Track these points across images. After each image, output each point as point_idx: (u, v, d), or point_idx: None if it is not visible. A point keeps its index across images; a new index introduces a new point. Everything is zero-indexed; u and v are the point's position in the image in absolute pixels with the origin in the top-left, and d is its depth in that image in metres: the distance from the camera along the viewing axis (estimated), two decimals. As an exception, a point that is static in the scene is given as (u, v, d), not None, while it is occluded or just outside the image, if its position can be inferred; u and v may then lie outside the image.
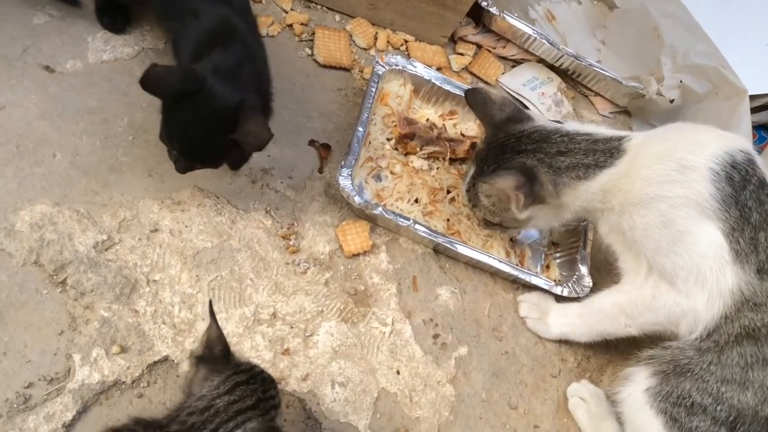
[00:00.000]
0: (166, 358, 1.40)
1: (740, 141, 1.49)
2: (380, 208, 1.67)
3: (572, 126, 1.60)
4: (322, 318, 1.57)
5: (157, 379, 1.38)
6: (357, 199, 1.66)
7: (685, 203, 1.42)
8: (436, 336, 1.62)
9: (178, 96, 1.33)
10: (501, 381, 1.62)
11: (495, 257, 1.72)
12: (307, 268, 1.63)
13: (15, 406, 1.26)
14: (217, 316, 1.42)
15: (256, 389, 1.12)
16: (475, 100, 1.66)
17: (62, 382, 1.30)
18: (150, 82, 1.30)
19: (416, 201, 1.81)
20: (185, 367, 1.40)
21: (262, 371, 1.17)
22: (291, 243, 1.65)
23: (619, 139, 1.54)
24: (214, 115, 1.37)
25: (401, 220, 1.68)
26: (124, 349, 1.37)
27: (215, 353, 1.14)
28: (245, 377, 1.12)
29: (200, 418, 1.06)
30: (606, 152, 1.52)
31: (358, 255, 1.68)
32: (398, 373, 1.54)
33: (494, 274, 1.76)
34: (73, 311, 1.39)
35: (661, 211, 1.44)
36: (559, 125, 1.60)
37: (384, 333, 1.59)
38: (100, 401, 1.32)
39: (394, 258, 1.72)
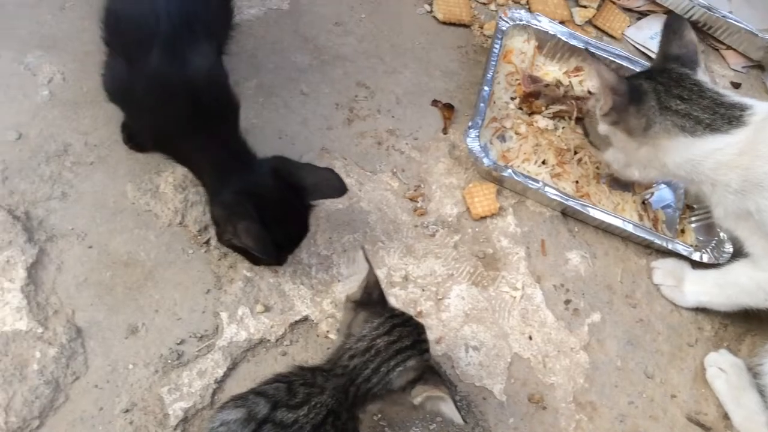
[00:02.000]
0: (306, 318, 1.42)
1: None
2: (509, 171, 1.64)
3: (709, 83, 1.52)
4: (453, 281, 1.56)
5: (299, 338, 1.40)
6: (485, 161, 1.63)
7: None
8: (567, 302, 1.59)
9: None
10: (636, 349, 1.58)
11: (629, 221, 1.66)
12: (436, 231, 1.62)
13: (169, 361, 1.31)
14: (352, 278, 1.45)
15: (412, 331, 1.15)
16: (671, 27, 1.56)
17: (212, 339, 1.35)
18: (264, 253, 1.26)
19: (543, 162, 1.76)
20: (324, 327, 1.42)
21: (413, 318, 1.20)
22: (419, 205, 1.65)
23: (743, 108, 1.43)
24: (280, 201, 1.31)
25: (531, 182, 1.64)
26: (267, 308, 1.41)
27: (373, 297, 1.18)
28: (401, 320, 1.16)
29: (361, 359, 1.10)
30: (725, 118, 1.42)
31: (485, 218, 1.66)
32: (530, 338, 1.53)
33: (626, 238, 1.71)
34: (218, 271, 1.43)
35: None
36: (700, 78, 1.51)
37: (515, 297, 1.57)
38: (247, 358, 1.36)
39: (522, 221, 1.68)
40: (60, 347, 1.27)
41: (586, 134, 1.69)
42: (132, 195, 1.46)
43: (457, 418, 1.09)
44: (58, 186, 1.43)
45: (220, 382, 1.31)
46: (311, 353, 1.39)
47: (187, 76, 1.27)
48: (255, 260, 1.39)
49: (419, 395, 1.10)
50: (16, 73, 1.56)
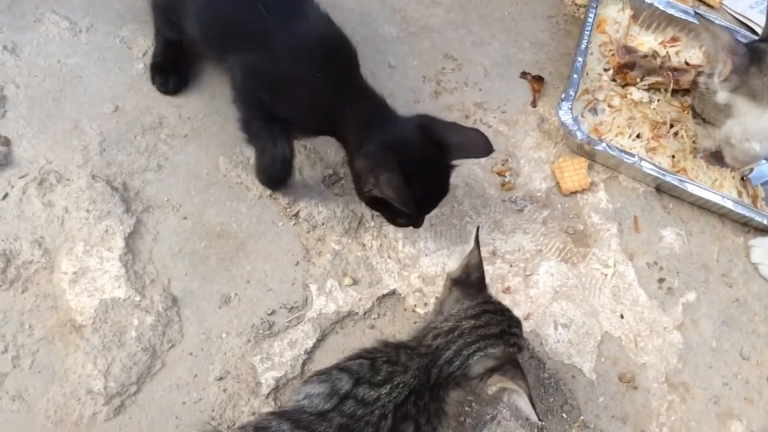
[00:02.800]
0: (393, 292, 1.42)
1: None
2: (603, 144, 1.59)
3: None
4: (542, 257, 1.53)
5: (386, 312, 1.41)
6: (579, 134, 1.58)
7: None
8: (661, 280, 1.54)
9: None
10: (732, 330, 1.52)
11: (728, 197, 1.59)
12: (524, 206, 1.59)
13: (261, 331, 1.33)
14: (439, 253, 1.44)
15: (503, 321, 1.10)
16: None
17: (301, 311, 1.37)
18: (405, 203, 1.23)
19: (638, 136, 1.70)
20: (411, 301, 1.42)
21: (510, 311, 1.15)
22: (506, 180, 1.62)
23: None
24: (432, 159, 1.29)
25: (625, 156, 1.58)
26: (355, 281, 1.41)
27: (471, 279, 1.14)
28: (494, 308, 1.12)
29: (444, 340, 1.07)
30: None
31: (575, 193, 1.62)
32: (622, 317, 1.48)
33: (723, 215, 1.64)
34: (307, 243, 1.44)
35: None
36: None
37: (606, 275, 1.53)
38: (336, 330, 1.37)
39: (614, 197, 1.63)
40: (157, 315, 1.31)
41: (696, 114, 1.58)
42: (224, 167, 1.48)
43: (532, 415, 1.04)
44: (153, 158, 1.47)
45: (310, 353, 1.33)
46: (399, 327, 1.39)
47: (314, 41, 1.29)
48: (392, 218, 1.37)
49: (494, 384, 1.05)
50: (112, 47, 1.60)
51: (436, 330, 1.09)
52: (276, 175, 1.42)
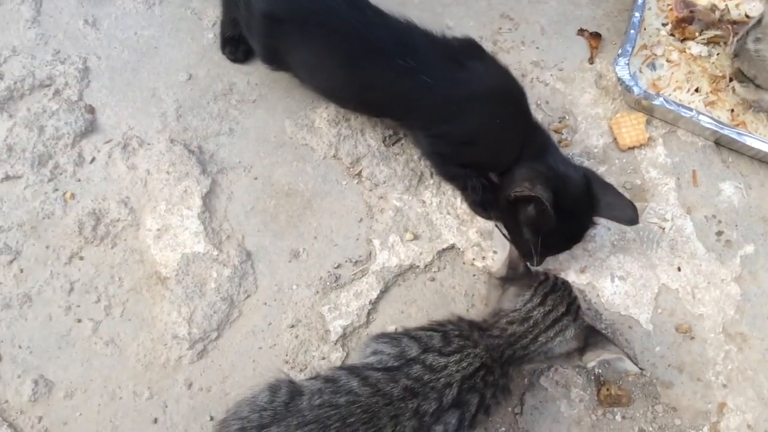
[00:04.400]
0: (452, 246, 1.49)
1: None
2: (660, 99, 1.60)
3: None
4: (599, 212, 1.56)
5: (446, 265, 1.47)
6: (635, 89, 1.60)
7: None
8: (719, 233, 1.56)
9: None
10: (792, 281, 1.53)
11: (789, 150, 1.58)
12: (581, 163, 1.62)
13: (328, 283, 1.42)
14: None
15: (563, 295, 1.17)
16: None
17: (365, 264, 1.45)
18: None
19: (696, 90, 1.70)
20: (470, 255, 1.48)
21: (557, 276, 1.21)
22: (563, 137, 1.65)
23: None
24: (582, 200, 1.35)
25: (683, 111, 1.59)
26: (416, 236, 1.48)
27: (520, 271, 1.20)
28: (550, 287, 1.17)
29: (520, 328, 1.14)
30: None
31: (633, 148, 1.64)
32: (679, 269, 1.51)
33: (785, 168, 1.64)
34: (369, 201, 1.51)
35: None
36: None
37: (663, 228, 1.55)
38: (398, 283, 1.45)
39: (672, 151, 1.65)
40: (233, 268, 1.41)
41: (746, 77, 1.57)
42: (290, 130, 1.56)
43: (635, 368, 1.13)
44: (225, 122, 1.56)
45: (374, 303, 1.41)
46: (458, 279, 1.46)
47: (492, 97, 1.39)
48: (521, 242, 1.38)
49: (593, 360, 1.13)
50: (183, 18, 1.69)
51: (509, 317, 1.15)
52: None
